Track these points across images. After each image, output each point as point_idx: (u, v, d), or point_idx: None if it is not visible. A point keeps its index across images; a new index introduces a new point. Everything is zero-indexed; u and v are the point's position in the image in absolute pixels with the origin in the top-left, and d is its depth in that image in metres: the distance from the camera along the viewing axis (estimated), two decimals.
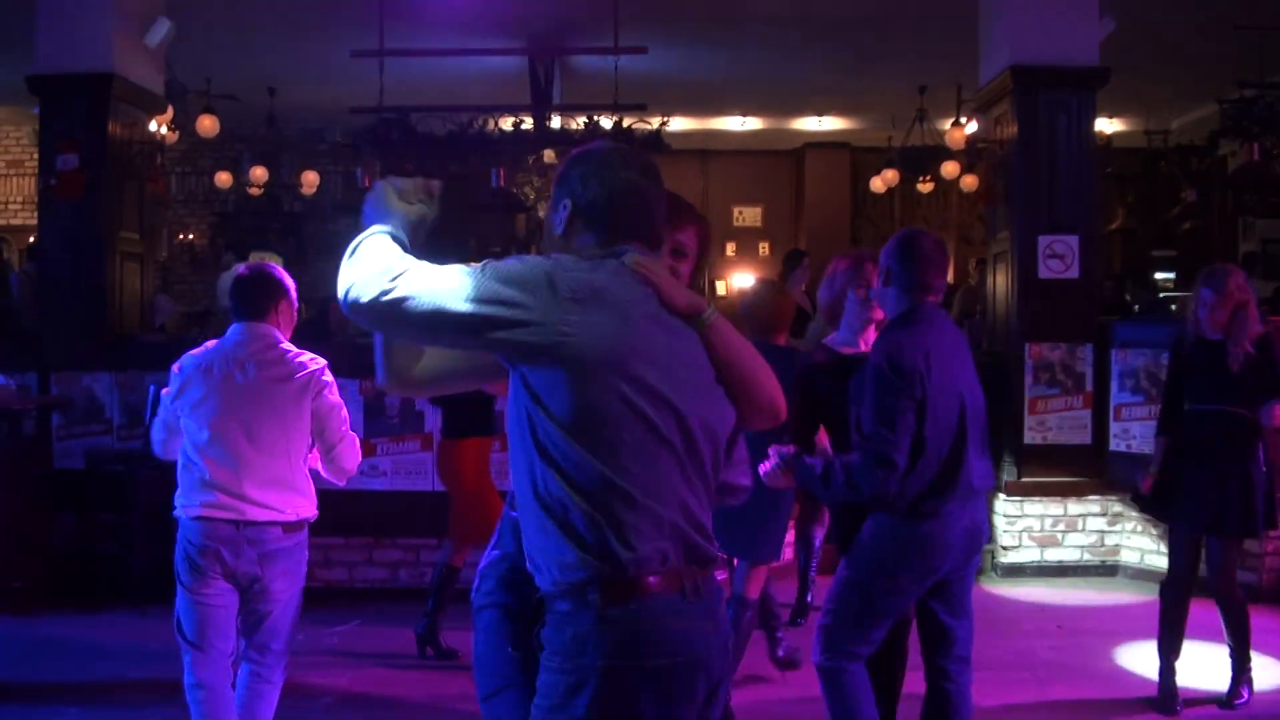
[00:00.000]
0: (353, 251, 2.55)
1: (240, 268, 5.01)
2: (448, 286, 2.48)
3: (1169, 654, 6.07)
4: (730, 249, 19.13)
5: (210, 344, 4.83)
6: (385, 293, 2.47)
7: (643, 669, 2.42)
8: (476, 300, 2.45)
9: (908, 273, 4.36)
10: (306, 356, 4.75)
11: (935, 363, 4.21)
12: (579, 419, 2.43)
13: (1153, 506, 6.43)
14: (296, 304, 4.96)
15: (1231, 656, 6.07)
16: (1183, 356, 6.19)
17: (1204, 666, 6.40)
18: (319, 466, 4.80)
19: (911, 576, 4.32)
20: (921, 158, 14.70)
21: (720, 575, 3.04)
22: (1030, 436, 8.98)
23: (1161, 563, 8.42)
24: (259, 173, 15.19)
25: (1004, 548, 8.99)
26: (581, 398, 2.43)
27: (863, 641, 4.39)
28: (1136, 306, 12.11)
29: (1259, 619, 7.51)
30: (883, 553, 4.33)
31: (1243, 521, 5.92)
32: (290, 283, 4.91)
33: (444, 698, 6.09)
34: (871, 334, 4.84)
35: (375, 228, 2.62)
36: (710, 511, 2.58)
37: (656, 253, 2.69)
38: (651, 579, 2.43)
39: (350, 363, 8.31)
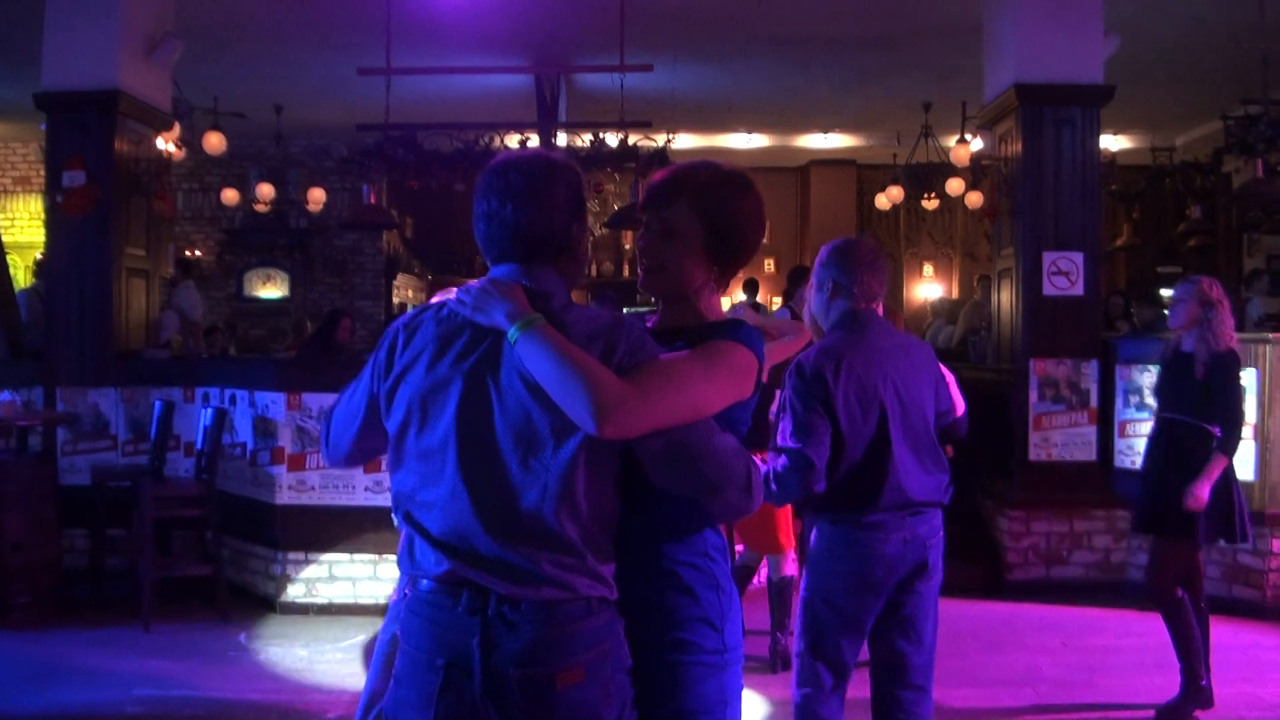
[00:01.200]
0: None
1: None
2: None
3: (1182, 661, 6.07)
4: None
5: None
6: None
7: (408, 654, 2.67)
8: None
9: (850, 282, 4.36)
10: None
11: (848, 369, 4.18)
12: (392, 455, 2.76)
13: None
14: None
15: (1179, 661, 6.01)
16: (1162, 366, 6.28)
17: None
18: None
19: (851, 588, 4.25)
20: (927, 174, 14.72)
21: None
22: (1035, 453, 8.98)
23: None
24: (266, 190, 15.22)
25: (1009, 565, 8.98)
26: (394, 418, 2.74)
27: (827, 668, 4.30)
28: (1137, 322, 12.11)
29: (1263, 636, 7.55)
30: (822, 563, 4.31)
31: (1177, 527, 5.94)
32: None
33: None
34: None
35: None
36: (537, 531, 2.57)
37: (528, 264, 2.71)
38: (425, 582, 2.64)
39: (351, 376, 8.33)
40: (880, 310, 4.60)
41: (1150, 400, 8.53)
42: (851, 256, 4.39)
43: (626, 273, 19.17)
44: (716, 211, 2.90)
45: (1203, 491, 5.82)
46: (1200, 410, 5.95)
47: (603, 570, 2.60)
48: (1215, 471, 5.85)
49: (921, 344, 4.62)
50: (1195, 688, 5.98)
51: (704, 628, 2.77)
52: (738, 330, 2.82)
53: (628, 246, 19.08)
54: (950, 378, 4.68)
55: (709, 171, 2.97)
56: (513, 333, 2.56)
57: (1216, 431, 5.90)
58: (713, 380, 2.65)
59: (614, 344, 2.60)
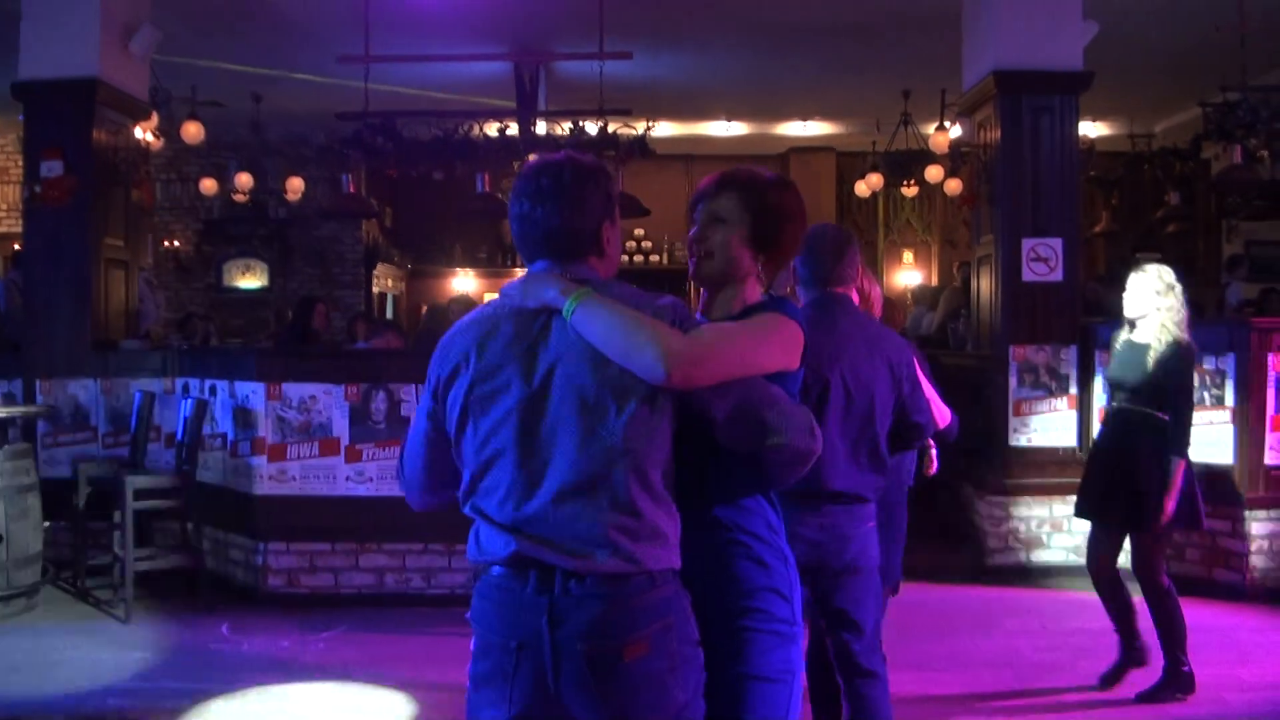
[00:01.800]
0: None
1: None
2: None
3: (1122, 640, 6.25)
4: None
5: None
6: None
7: (482, 636, 2.76)
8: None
9: (807, 268, 4.43)
10: None
11: None
12: (457, 454, 2.83)
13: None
14: None
15: (1163, 649, 6.10)
16: (1115, 354, 6.27)
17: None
18: None
19: None
20: (906, 162, 14.73)
21: None
22: (1015, 439, 9.00)
23: None
24: (244, 179, 15.15)
25: (990, 550, 9.01)
26: (451, 420, 2.82)
27: None
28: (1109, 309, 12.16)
29: (1244, 618, 7.59)
30: None
31: (1134, 517, 6.01)
32: None
33: (429, 704, 6.09)
34: None
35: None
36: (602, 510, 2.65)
37: (562, 262, 2.81)
38: (495, 568, 2.72)
39: (330, 366, 8.34)
40: (876, 297, 4.62)
41: None
42: (812, 243, 4.42)
43: None
44: (759, 200, 3.15)
45: (1171, 505, 5.86)
46: (1151, 399, 5.99)
47: (669, 535, 2.68)
48: (1179, 480, 5.88)
49: (895, 339, 4.53)
50: (1177, 673, 6.03)
51: (774, 597, 2.90)
52: (782, 303, 3.01)
53: None
54: (932, 393, 4.63)
55: (753, 170, 3.27)
56: (568, 306, 2.66)
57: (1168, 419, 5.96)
58: (763, 342, 2.82)
59: (661, 313, 2.71)
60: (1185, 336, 5.97)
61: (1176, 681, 6.02)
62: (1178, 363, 5.94)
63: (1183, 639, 6.05)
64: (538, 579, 2.64)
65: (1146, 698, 6.02)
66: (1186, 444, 5.93)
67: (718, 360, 2.67)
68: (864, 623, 4.34)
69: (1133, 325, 6.16)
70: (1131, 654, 6.26)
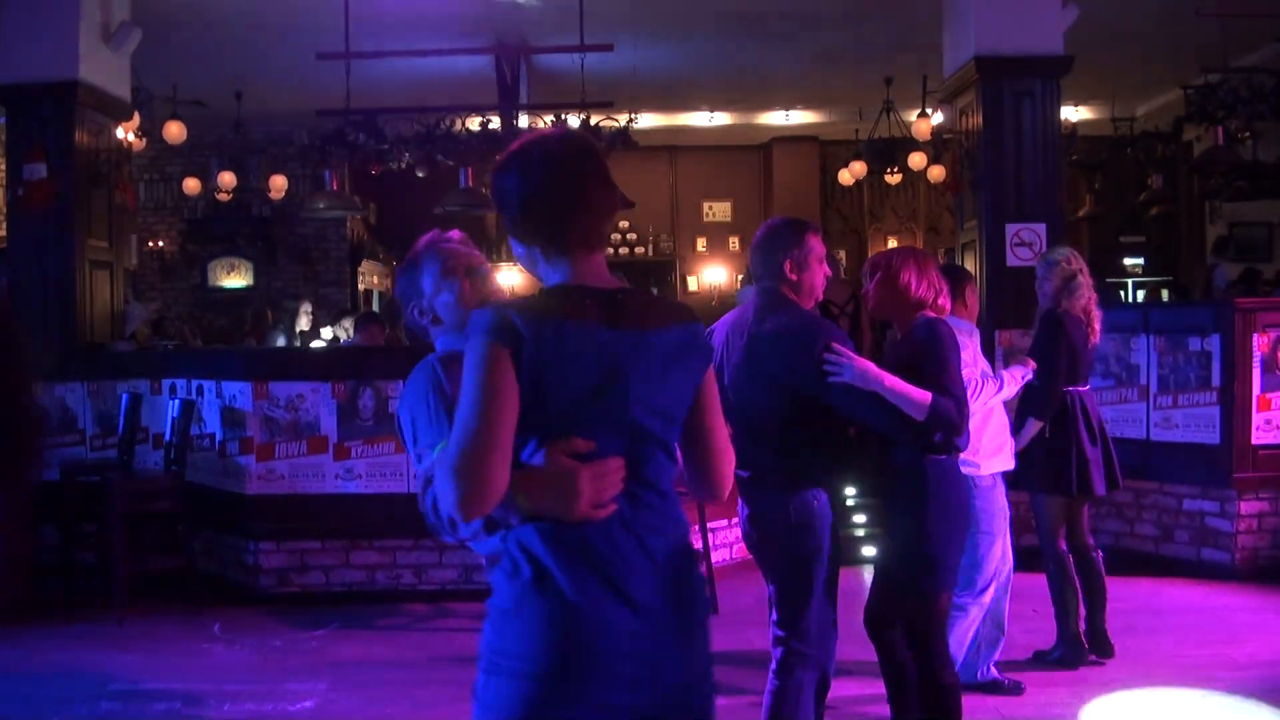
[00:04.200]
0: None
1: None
2: None
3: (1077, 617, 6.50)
4: (701, 244, 19.37)
5: None
6: None
7: None
8: None
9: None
10: None
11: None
12: None
13: (1022, 482, 6.72)
14: None
15: (1086, 617, 6.44)
16: (1070, 342, 6.53)
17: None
18: None
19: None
20: (889, 149, 14.72)
21: None
22: None
23: (1135, 545, 8.54)
24: (227, 178, 15.12)
25: None
26: None
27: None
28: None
29: (1233, 598, 7.62)
30: None
31: (1100, 481, 6.46)
32: None
33: (421, 700, 6.09)
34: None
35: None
36: None
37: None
38: None
39: (317, 364, 8.34)
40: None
41: (1115, 368, 8.62)
42: (752, 243, 4.61)
43: None
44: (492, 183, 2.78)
45: None
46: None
47: (483, 559, 2.82)
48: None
49: (794, 335, 4.32)
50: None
51: (500, 629, 2.81)
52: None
53: None
54: (898, 383, 4.28)
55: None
56: None
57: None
58: (473, 406, 2.48)
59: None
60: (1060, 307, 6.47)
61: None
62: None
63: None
64: None
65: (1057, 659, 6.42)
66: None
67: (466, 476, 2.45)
68: (774, 585, 4.42)
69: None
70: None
